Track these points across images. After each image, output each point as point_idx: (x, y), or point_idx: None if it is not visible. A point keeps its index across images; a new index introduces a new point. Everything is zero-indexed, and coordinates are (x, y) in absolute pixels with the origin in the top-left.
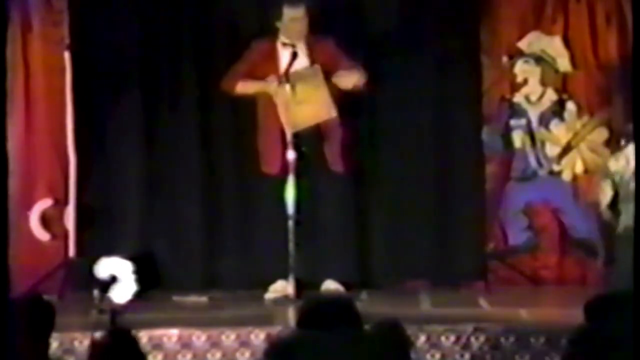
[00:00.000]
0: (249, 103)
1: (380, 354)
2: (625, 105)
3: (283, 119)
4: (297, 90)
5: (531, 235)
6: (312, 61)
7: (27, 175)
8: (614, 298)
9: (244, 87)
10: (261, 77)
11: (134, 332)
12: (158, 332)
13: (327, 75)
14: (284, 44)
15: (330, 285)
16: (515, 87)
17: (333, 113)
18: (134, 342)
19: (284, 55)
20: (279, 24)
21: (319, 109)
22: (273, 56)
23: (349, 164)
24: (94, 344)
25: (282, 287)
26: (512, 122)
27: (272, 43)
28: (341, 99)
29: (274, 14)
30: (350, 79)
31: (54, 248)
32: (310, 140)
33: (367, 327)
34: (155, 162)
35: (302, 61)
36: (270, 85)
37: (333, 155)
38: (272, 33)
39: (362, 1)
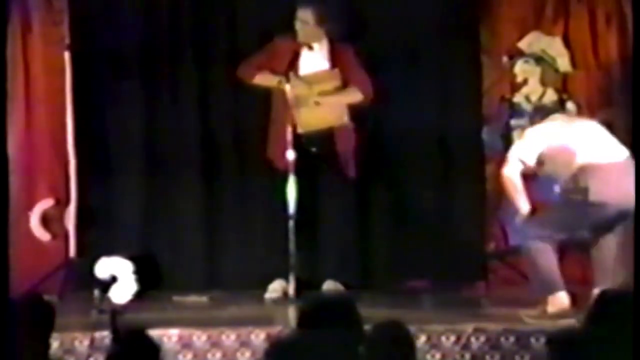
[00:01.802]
0: (250, 102)
1: (382, 355)
2: (625, 105)
3: (294, 116)
4: (314, 91)
5: None
6: (333, 65)
7: (27, 175)
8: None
9: (260, 79)
10: (278, 72)
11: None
12: (158, 332)
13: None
14: (303, 44)
15: (331, 285)
16: (515, 87)
17: (345, 119)
18: (150, 342)
19: (303, 55)
20: (297, 25)
21: (333, 113)
22: (292, 54)
23: (360, 169)
24: (111, 345)
25: (281, 287)
26: (512, 122)
27: (294, 41)
28: (353, 105)
29: (292, 14)
30: (345, 98)
31: (54, 248)
32: (321, 141)
33: (369, 327)
34: (155, 162)
35: (323, 64)
36: (274, 81)
37: (346, 160)
38: (287, 31)
39: (362, 2)
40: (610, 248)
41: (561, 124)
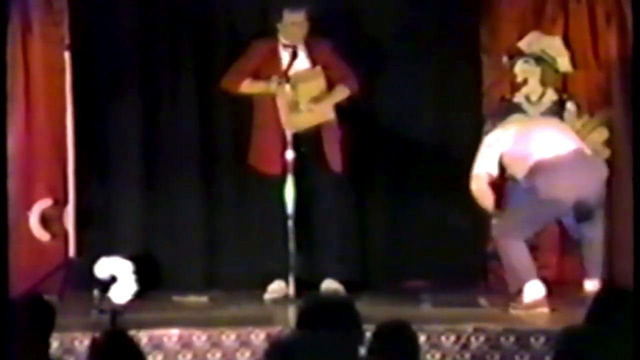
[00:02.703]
0: (249, 103)
1: (387, 355)
2: (625, 105)
3: (284, 119)
4: (299, 91)
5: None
6: (313, 63)
7: (26, 175)
8: (616, 295)
9: (248, 87)
10: (262, 77)
11: (131, 332)
12: (158, 332)
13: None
14: (285, 45)
15: (330, 284)
16: (515, 87)
17: (331, 115)
18: (131, 343)
19: (285, 56)
20: (279, 26)
21: (320, 110)
22: (274, 57)
23: (347, 163)
24: (92, 346)
25: (280, 287)
26: None
27: (272, 43)
28: (341, 100)
29: (274, 15)
30: (334, 99)
31: (53, 248)
32: (309, 140)
33: (373, 326)
34: (155, 162)
35: (304, 62)
36: (273, 85)
37: (332, 155)
38: (272, 33)
39: (363, 1)
40: (597, 240)
41: (515, 128)
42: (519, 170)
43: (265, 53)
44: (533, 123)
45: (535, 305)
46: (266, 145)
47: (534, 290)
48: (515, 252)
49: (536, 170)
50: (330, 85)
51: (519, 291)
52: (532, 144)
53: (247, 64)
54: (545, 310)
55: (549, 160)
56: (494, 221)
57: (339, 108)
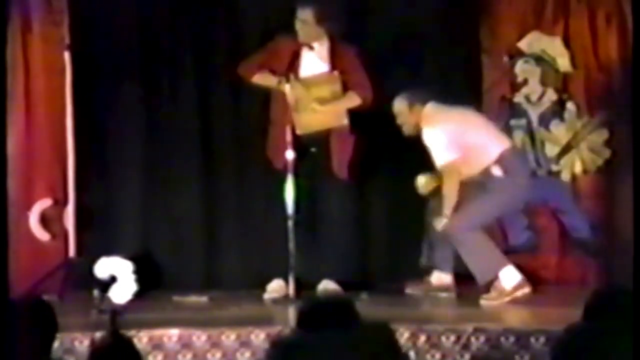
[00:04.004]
0: (249, 103)
1: (377, 355)
2: (625, 106)
3: (293, 118)
4: (313, 93)
5: (531, 236)
6: (333, 66)
7: (26, 175)
8: (614, 296)
9: (261, 79)
10: (278, 72)
11: (131, 332)
12: (158, 332)
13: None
14: (304, 44)
15: (328, 285)
16: (515, 87)
17: (344, 121)
18: (130, 344)
19: (304, 56)
20: (297, 25)
21: (332, 115)
22: (293, 54)
23: (354, 170)
24: (92, 350)
25: (279, 287)
26: (512, 122)
27: (295, 41)
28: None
29: (292, 14)
30: (343, 104)
31: (53, 248)
32: (319, 142)
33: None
34: (155, 162)
35: (322, 66)
36: (275, 82)
37: (339, 162)
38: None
39: (363, 2)
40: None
41: (447, 127)
42: (475, 166)
43: (283, 49)
44: (464, 120)
45: (517, 288)
46: (277, 141)
47: (511, 275)
48: (480, 243)
49: (497, 161)
50: (346, 92)
51: (489, 282)
52: (479, 138)
53: (262, 56)
54: (527, 290)
55: (500, 157)
56: (444, 220)
57: (352, 115)
